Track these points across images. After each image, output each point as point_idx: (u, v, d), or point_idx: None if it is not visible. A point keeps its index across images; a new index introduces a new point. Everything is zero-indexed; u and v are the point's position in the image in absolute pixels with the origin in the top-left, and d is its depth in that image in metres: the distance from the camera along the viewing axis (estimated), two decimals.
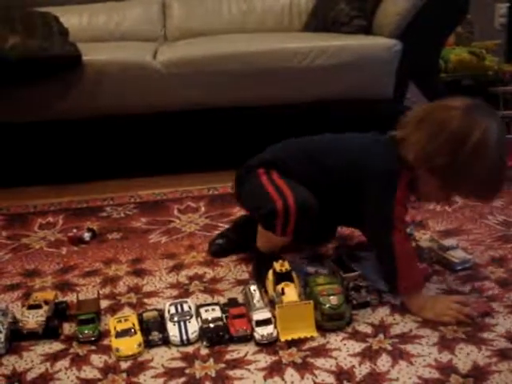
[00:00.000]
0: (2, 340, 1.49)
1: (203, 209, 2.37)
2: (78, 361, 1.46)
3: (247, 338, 1.49)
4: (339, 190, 1.67)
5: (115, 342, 1.48)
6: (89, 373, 1.42)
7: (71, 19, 3.16)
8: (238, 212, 2.26)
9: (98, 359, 1.47)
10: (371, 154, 1.63)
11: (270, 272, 1.63)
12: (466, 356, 1.41)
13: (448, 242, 1.86)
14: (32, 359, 1.47)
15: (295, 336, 1.49)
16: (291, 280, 1.60)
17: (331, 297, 1.54)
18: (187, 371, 1.40)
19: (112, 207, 2.42)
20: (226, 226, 2.11)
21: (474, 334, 1.49)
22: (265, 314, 1.52)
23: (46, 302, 1.61)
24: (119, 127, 2.72)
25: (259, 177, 1.72)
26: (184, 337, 1.49)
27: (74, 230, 2.17)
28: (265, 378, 1.36)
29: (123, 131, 2.74)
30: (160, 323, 1.54)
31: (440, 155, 1.45)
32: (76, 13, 3.32)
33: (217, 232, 2.09)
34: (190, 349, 1.48)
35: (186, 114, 2.70)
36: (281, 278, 1.60)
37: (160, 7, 3.42)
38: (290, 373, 1.38)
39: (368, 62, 2.70)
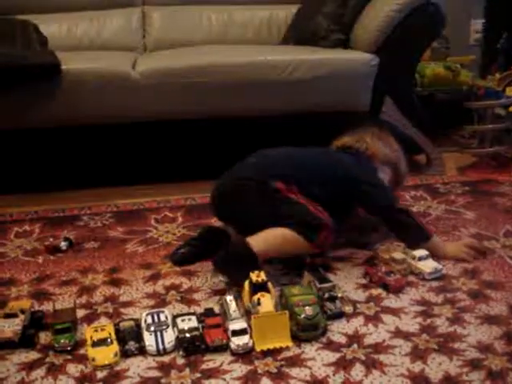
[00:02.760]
0: None
1: (180, 219, 2.38)
2: (54, 370, 1.46)
3: (223, 348, 1.50)
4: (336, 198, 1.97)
5: (91, 352, 1.49)
6: (65, 382, 1.42)
7: (51, 27, 3.16)
8: (216, 222, 2.27)
9: (74, 368, 1.47)
10: (364, 167, 2.10)
11: (246, 283, 1.65)
12: (437, 366, 1.44)
13: (419, 252, 1.90)
14: (8, 368, 1.47)
15: (270, 346, 1.50)
16: (267, 291, 1.62)
17: (306, 307, 1.56)
18: (163, 381, 1.41)
19: (89, 216, 2.42)
20: None
21: (446, 344, 1.52)
22: (241, 324, 1.54)
23: (22, 311, 1.60)
24: (97, 136, 2.72)
25: (285, 192, 1.87)
26: (160, 346, 1.50)
27: (51, 239, 2.16)
28: None
29: (101, 140, 2.74)
30: (136, 333, 1.55)
31: (393, 156, 2.21)
32: (56, 21, 3.30)
33: None
34: (166, 358, 1.49)
35: (164, 124, 2.71)
36: (257, 288, 1.62)
37: (140, 17, 3.42)
38: (265, 382, 1.39)
39: (345, 75, 2.74)
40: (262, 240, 1.81)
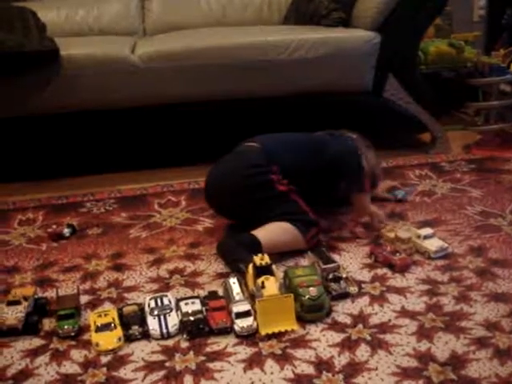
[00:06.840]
0: None
1: (184, 203, 2.36)
2: (58, 356, 1.46)
3: (227, 331, 1.50)
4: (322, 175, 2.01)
5: (95, 337, 1.48)
6: (69, 368, 1.42)
7: (49, 14, 3.13)
8: None
9: (78, 354, 1.46)
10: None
11: (250, 266, 1.64)
12: (444, 344, 1.42)
13: (425, 230, 1.88)
14: (12, 355, 1.47)
15: (275, 330, 1.49)
16: (271, 273, 1.60)
17: (310, 288, 1.55)
18: (167, 364, 1.41)
19: (92, 202, 2.41)
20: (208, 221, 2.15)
21: (453, 322, 1.50)
22: (244, 306, 1.53)
23: (26, 298, 1.60)
24: (98, 122, 2.70)
25: (277, 185, 1.90)
26: (164, 330, 1.50)
27: (54, 226, 2.15)
28: (245, 370, 1.37)
29: (102, 126, 2.72)
30: (140, 317, 1.54)
31: (372, 156, 2.12)
32: (54, 7, 3.28)
33: (199, 226, 2.11)
34: (170, 342, 1.48)
35: (164, 108, 2.69)
36: (261, 271, 1.60)
37: (139, 1, 3.40)
38: (270, 364, 1.38)
39: (347, 54, 2.71)
40: (264, 231, 1.83)
